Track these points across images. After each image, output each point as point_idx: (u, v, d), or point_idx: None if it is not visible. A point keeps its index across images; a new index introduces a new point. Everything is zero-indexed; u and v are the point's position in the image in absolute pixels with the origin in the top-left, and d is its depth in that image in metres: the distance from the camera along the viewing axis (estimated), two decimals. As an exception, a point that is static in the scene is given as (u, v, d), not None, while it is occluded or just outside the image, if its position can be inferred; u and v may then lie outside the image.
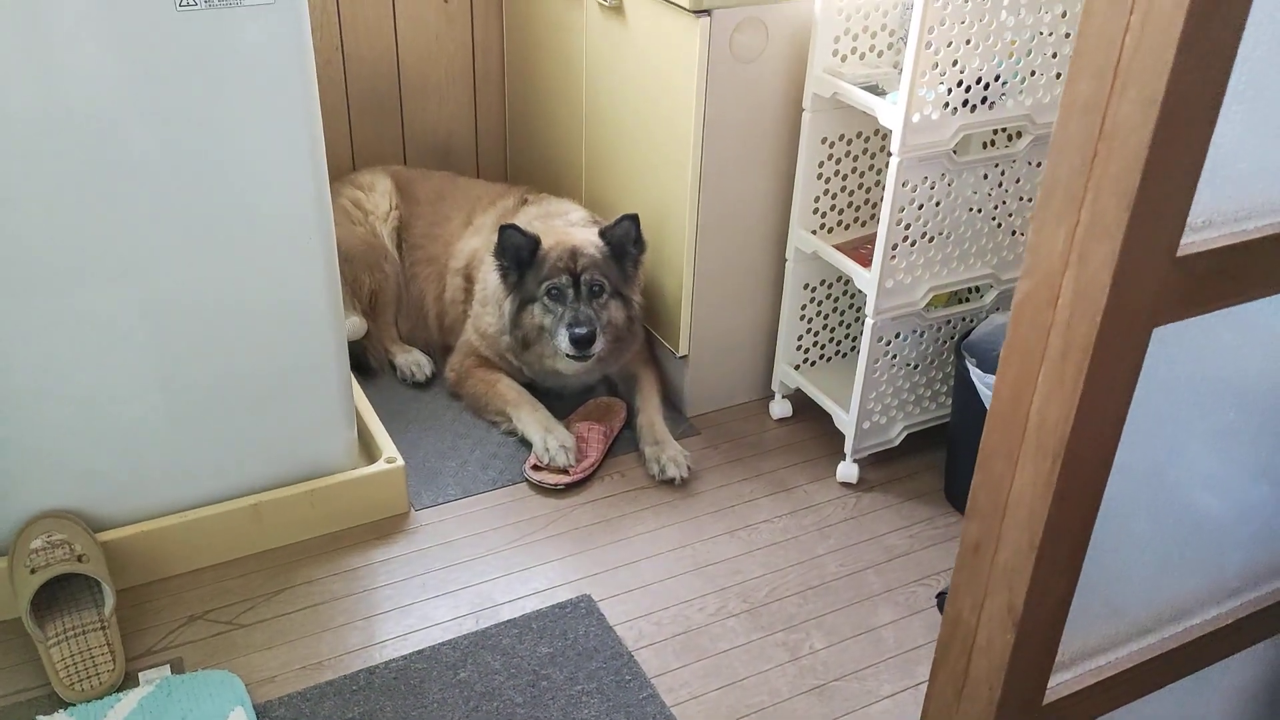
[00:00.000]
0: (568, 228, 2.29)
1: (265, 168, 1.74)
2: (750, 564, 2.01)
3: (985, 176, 2.04)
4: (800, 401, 2.38)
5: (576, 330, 2.12)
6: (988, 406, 1.94)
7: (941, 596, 1.91)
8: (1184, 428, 0.95)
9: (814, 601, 1.93)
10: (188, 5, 1.57)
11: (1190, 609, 1.05)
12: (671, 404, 2.41)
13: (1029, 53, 1.93)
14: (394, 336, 2.53)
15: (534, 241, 2.19)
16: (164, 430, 1.85)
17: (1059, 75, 1.98)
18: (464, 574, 1.95)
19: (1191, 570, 1.05)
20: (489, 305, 2.31)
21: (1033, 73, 1.95)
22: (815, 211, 2.19)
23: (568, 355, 2.18)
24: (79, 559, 1.73)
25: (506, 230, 2.16)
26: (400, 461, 2.06)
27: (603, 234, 2.21)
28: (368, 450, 2.13)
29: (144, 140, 1.63)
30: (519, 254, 2.19)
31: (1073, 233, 0.76)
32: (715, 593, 1.94)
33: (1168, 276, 0.77)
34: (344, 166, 2.76)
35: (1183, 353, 0.86)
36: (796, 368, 2.36)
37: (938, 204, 2.00)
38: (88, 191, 1.63)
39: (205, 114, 1.65)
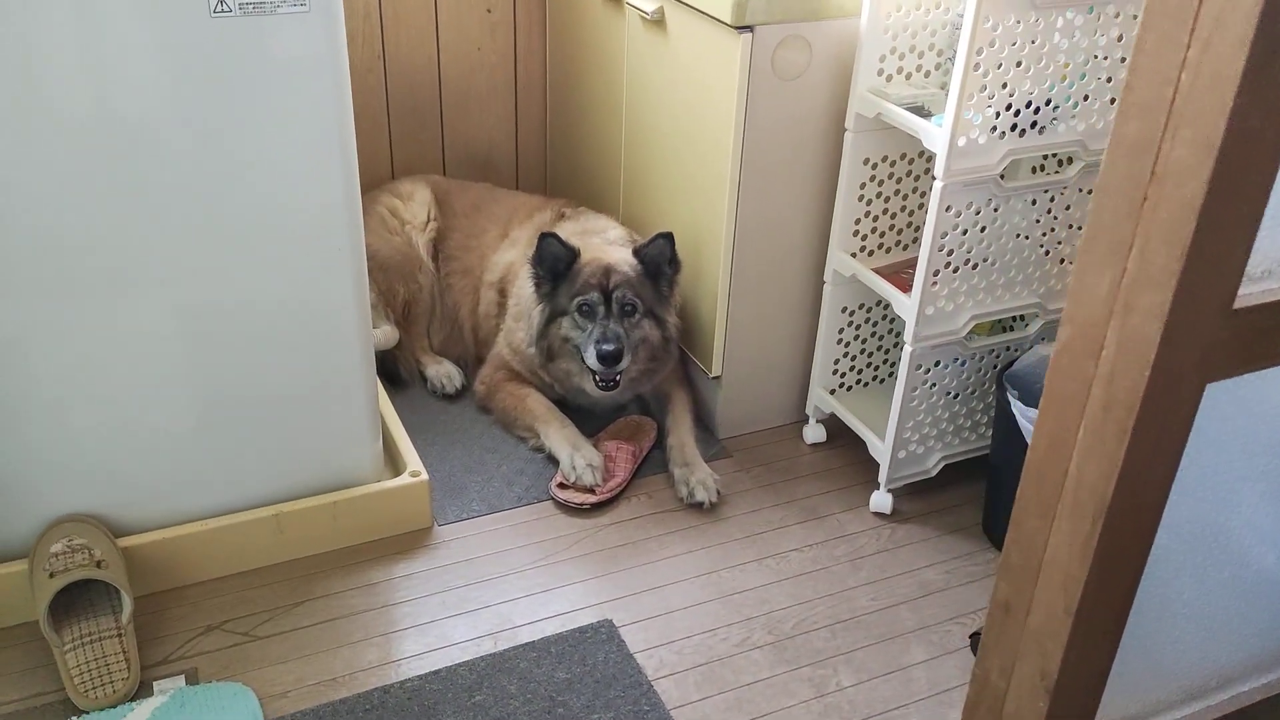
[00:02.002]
0: (604, 245, 2.25)
1: (296, 174, 1.72)
2: (778, 594, 1.96)
3: (1034, 203, 1.98)
4: (835, 427, 2.33)
5: (604, 346, 2.09)
6: (1028, 439, 1.87)
7: (975, 637, 1.84)
8: (1237, 486, 0.89)
9: (843, 636, 1.87)
10: (222, 11, 1.56)
11: (1239, 675, 0.99)
12: (704, 425, 2.36)
13: (1082, 76, 1.86)
14: (426, 347, 2.51)
15: (573, 254, 2.15)
16: (188, 437, 1.84)
17: (1113, 100, 1.91)
18: (485, 593, 1.92)
19: (1242, 634, 0.98)
20: (522, 318, 2.28)
21: (1086, 97, 1.88)
22: (855, 234, 2.13)
23: (594, 375, 2.14)
24: (98, 565, 1.72)
25: (546, 238, 2.13)
26: (425, 475, 2.03)
27: (636, 252, 2.17)
28: (393, 462, 2.10)
29: (177, 144, 1.62)
30: (556, 264, 2.16)
31: (1119, 281, 0.70)
32: (741, 623, 1.89)
33: (1222, 330, 0.71)
34: (383, 175, 2.75)
35: (1238, 408, 0.81)
36: (832, 392, 2.30)
37: (983, 230, 1.94)
38: (122, 196, 1.62)
39: (237, 119, 1.64)
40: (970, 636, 1.86)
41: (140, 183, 1.62)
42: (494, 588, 1.93)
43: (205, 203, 1.68)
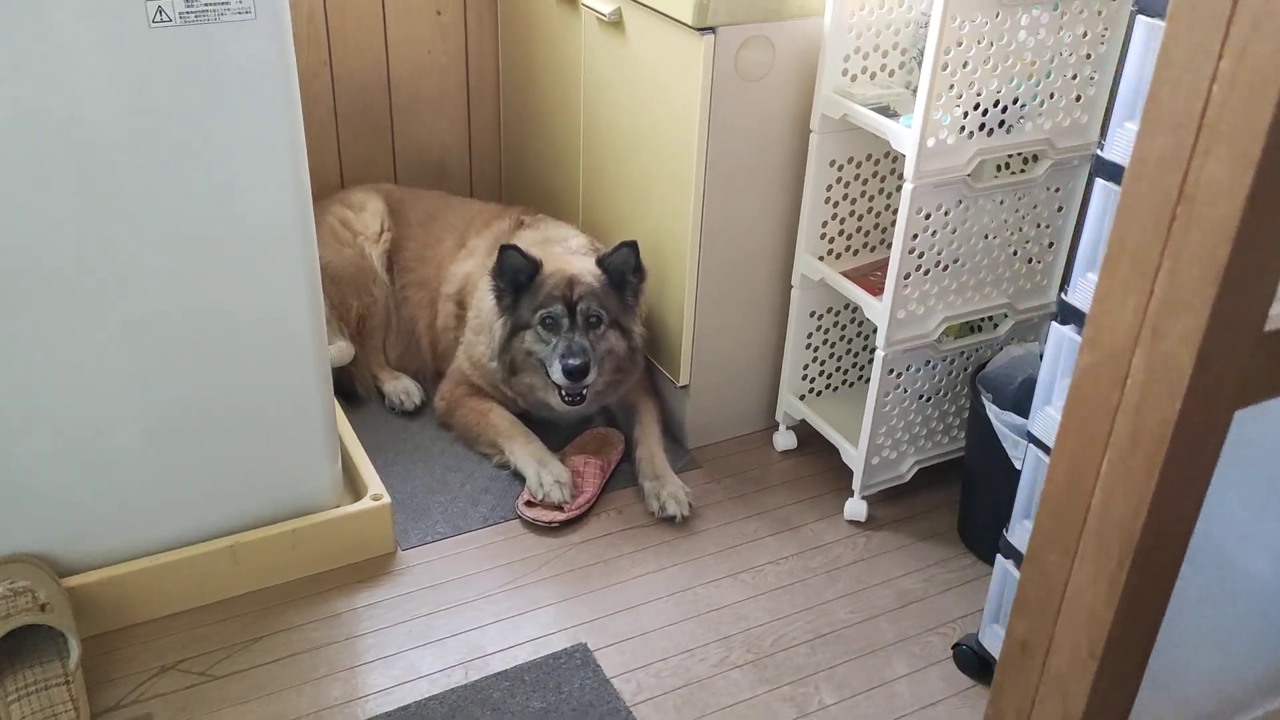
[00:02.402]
0: (566, 255, 2.19)
1: (246, 186, 1.64)
2: (755, 609, 1.91)
3: (1002, 202, 1.95)
4: (805, 433, 2.29)
5: (570, 361, 2.02)
6: (1004, 443, 1.84)
7: (958, 648, 1.81)
8: (1255, 510, 0.86)
9: (823, 651, 1.83)
10: (161, 21, 1.48)
11: (1253, 699, 0.96)
12: (672, 435, 2.30)
13: (1048, 74, 1.83)
14: (382, 363, 2.43)
15: (534, 265, 2.09)
16: (136, 466, 1.74)
17: (1079, 98, 1.89)
18: (453, 620, 1.85)
19: (1253, 658, 0.95)
20: (482, 331, 2.21)
21: (1052, 95, 1.86)
22: (823, 237, 2.09)
23: (560, 390, 2.08)
24: (42, 608, 1.62)
25: (507, 251, 2.07)
26: (386, 498, 1.96)
27: (600, 262, 2.10)
28: (353, 485, 2.02)
29: (120, 159, 1.53)
30: (517, 277, 2.09)
31: (1145, 305, 0.66)
32: (718, 641, 1.84)
33: (1255, 354, 0.67)
34: (332, 184, 2.66)
35: (1260, 434, 0.77)
36: (802, 398, 2.26)
37: (953, 231, 1.91)
38: (61, 210, 1.53)
39: (183, 131, 1.56)
40: (953, 648, 1.83)
41: (86, 196, 1.53)
42: (462, 614, 1.86)
43: (153, 216, 1.59)
